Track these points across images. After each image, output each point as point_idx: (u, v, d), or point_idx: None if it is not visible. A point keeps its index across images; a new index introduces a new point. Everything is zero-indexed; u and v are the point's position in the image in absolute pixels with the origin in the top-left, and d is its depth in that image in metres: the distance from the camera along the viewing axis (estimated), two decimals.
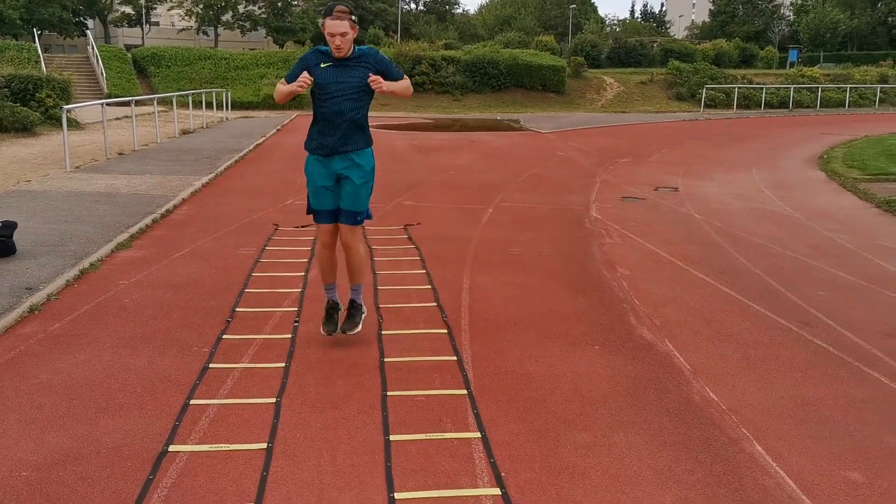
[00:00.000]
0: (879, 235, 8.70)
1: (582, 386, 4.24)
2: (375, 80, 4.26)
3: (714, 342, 5.02)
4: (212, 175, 12.02)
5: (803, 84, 40.39)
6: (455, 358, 4.60)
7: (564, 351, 4.79)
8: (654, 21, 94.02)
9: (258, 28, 64.47)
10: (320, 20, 4.31)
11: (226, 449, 3.43)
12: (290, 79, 4.39)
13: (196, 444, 3.47)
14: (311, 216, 4.69)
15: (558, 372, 4.44)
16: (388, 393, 4.06)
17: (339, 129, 4.38)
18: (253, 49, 51.48)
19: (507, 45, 45.24)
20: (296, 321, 5.20)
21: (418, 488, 3.14)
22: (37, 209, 8.52)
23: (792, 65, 55.18)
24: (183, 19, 63.72)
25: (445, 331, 5.08)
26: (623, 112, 35.03)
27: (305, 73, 4.28)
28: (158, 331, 4.97)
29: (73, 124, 20.02)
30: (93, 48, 34.74)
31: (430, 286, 6.14)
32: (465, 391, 4.12)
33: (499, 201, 10.47)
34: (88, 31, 46.58)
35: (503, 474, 3.27)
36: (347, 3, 4.26)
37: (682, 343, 4.97)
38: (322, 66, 4.35)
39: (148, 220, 8.34)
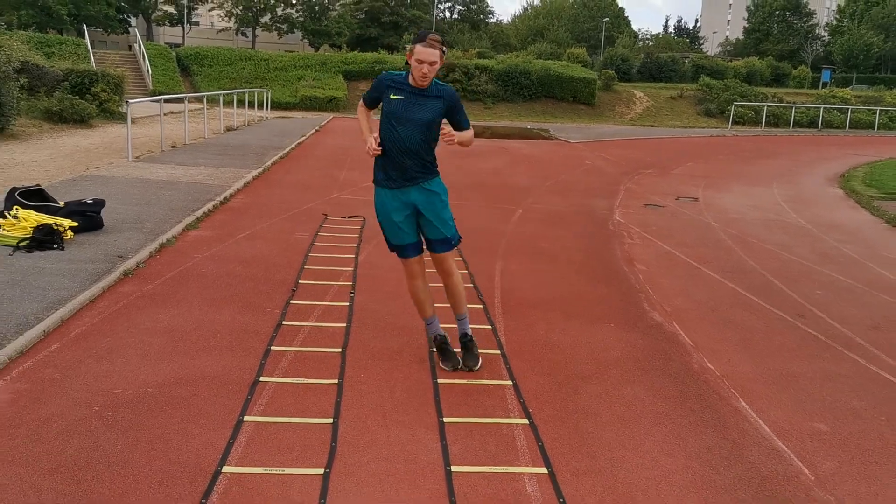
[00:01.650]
0: (884, 248, 9.34)
1: (598, 353, 4.99)
2: (448, 135, 4.20)
3: (716, 326, 5.74)
4: (260, 169, 12.89)
5: (834, 105, 40.72)
6: (490, 327, 5.37)
7: (584, 326, 5.54)
8: (688, 37, 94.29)
9: (295, 30, 65.82)
10: (409, 46, 4.22)
11: (305, 382, 4.22)
12: (368, 100, 4.47)
13: (280, 377, 4.27)
14: (393, 253, 4.55)
15: (578, 341, 5.19)
16: (433, 349, 4.83)
17: (408, 160, 4.27)
18: (290, 51, 52.70)
19: (539, 56, 46.03)
20: (351, 293, 6.00)
21: (462, 416, 3.91)
22: (110, 192, 9.40)
23: (825, 85, 55.41)
24: (223, 20, 65.26)
25: (481, 306, 5.85)
26: (651, 126, 35.63)
27: (373, 144, 4.24)
28: (235, 295, 5.79)
29: (124, 118, 21.03)
30: (139, 46, 36.00)
31: (466, 271, 6.91)
32: (498, 352, 4.89)
33: (528, 203, 11.23)
34: (135, 29, 47.96)
35: (531, 410, 4.03)
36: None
37: (688, 325, 5.70)
38: (393, 97, 4.24)
39: (209, 205, 9.18)
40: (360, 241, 7.84)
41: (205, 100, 19.60)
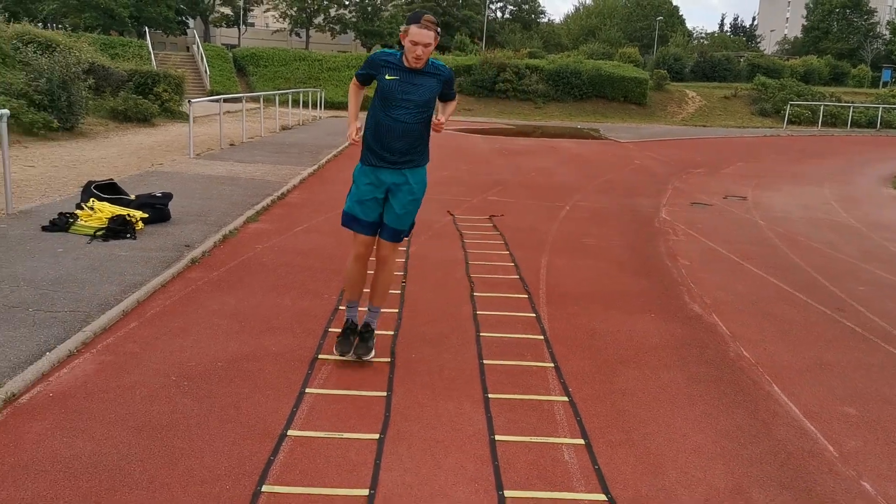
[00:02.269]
0: None
1: (637, 340, 5.23)
2: (437, 125, 4.31)
3: (755, 318, 5.92)
4: (315, 167, 13.34)
5: (894, 105, 39.80)
6: (534, 315, 5.64)
7: (625, 316, 5.78)
8: (744, 35, 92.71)
9: (347, 31, 66.70)
10: (403, 26, 4.12)
11: (360, 360, 4.55)
12: (361, 76, 4.38)
13: (338, 355, 4.61)
14: (345, 227, 4.51)
15: (619, 329, 5.44)
16: (481, 334, 5.13)
17: (397, 142, 4.23)
18: (342, 52, 53.49)
19: (590, 56, 45.92)
20: (403, 282, 6.33)
21: (505, 393, 4.20)
22: (174, 187, 9.88)
23: (885, 84, 54.06)
24: (277, 21, 66.51)
25: (526, 296, 6.13)
26: (704, 126, 35.34)
27: (353, 133, 4.29)
28: (294, 282, 6.17)
29: (184, 117, 21.82)
30: (198, 47, 37.02)
31: (512, 264, 7.19)
32: (542, 337, 5.16)
33: (576, 201, 11.44)
34: (194, 31, 49.20)
35: (570, 389, 4.30)
36: (434, 14, 4.28)
37: (727, 317, 5.89)
38: (387, 77, 4.18)
39: (268, 200, 9.62)
40: (410, 241, 8.16)
41: (261, 99, 20.16)
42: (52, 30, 32.71)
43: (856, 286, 7.08)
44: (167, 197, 7.90)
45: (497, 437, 3.67)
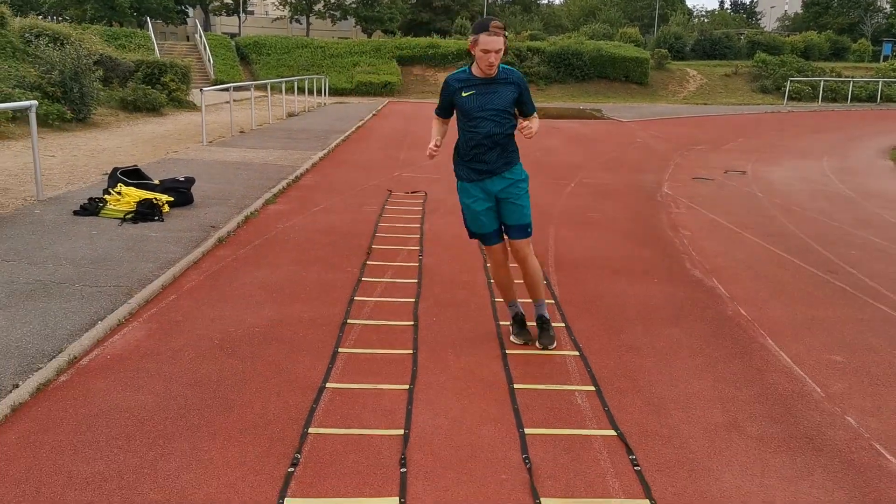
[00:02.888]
0: None
1: (641, 301, 5.60)
2: (527, 129, 4.25)
3: (752, 280, 6.28)
4: (325, 151, 13.68)
5: (894, 79, 39.93)
6: (545, 281, 6.00)
7: (630, 281, 6.14)
8: (745, 12, 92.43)
9: (348, 17, 66.74)
10: (471, 36, 4.17)
11: (386, 324, 4.93)
12: (440, 110, 4.51)
13: (365, 319, 4.99)
14: (474, 239, 4.72)
15: (624, 292, 5.81)
16: (496, 300, 5.50)
17: (489, 152, 4.32)
18: (343, 38, 53.64)
19: (591, 37, 46.05)
20: (420, 255, 6.70)
21: (522, 349, 4.57)
22: (193, 173, 10.24)
23: (886, 59, 54.06)
24: (277, 8, 66.57)
25: None
26: (705, 104, 35.56)
27: (432, 147, 4.42)
28: (317, 258, 6.54)
29: (192, 106, 22.17)
30: (200, 36, 37.26)
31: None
32: (553, 301, 5.53)
33: (580, 178, 11.79)
34: (195, 20, 49.32)
35: (581, 345, 4.67)
36: (500, 19, 4.32)
37: (725, 280, 6.25)
38: (464, 94, 4.27)
39: (283, 183, 9.98)
40: (424, 213, 8.54)
41: (268, 87, 20.47)
42: (55, 22, 32.90)
43: (847, 250, 7.43)
44: (190, 181, 8.27)
45: (516, 386, 4.05)
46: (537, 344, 4.60)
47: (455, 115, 4.43)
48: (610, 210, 9.26)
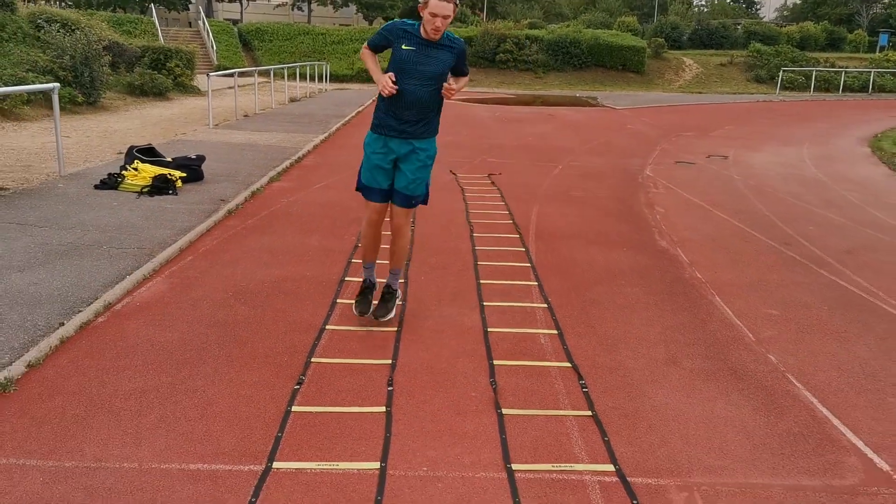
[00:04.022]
0: (887, 195, 10.32)
1: (609, 266, 6.26)
2: (448, 90, 4.28)
3: (713, 251, 6.93)
4: (326, 134, 14.31)
5: (887, 69, 40.45)
6: (524, 249, 6.67)
7: (601, 250, 6.80)
8: (744, 2, 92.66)
9: (349, 4, 67.08)
10: None
11: (380, 281, 5.57)
12: (373, 44, 4.45)
13: (361, 277, 5.63)
14: (358, 192, 4.69)
15: (594, 259, 6.46)
16: (479, 263, 6.16)
17: (409, 112, 4.32)
18: (344, 25, 54.06)
19: (589, 26, 46.49)
20: (412, 225, 7.33)
21: (497, 301, 5.23)
22: (202, 153, 10.89)
23: (882, 49, 54.50)
24: None
25: (518, 235, 7.15)
26: (699, 93, 36.10)
27: (389, 82, 4.21)
28: (318, 227, 7.19)
29: (196, 91, 22.78)
30: (204, 23, 37.75)
31: (507, 212, 8.20)
32: (529, 264, 6.19)
33: (567, 161, 12.42)
34: (199, 7, 49.72)
35: (550, 300, 5.33)
36: None
37: (688, 250, 6.91)
38: (404, 47, 4.24)
39: (286, 163, 10.61)
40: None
41: (271, 73, 21.05)
42: (61, 7, 33.33)
43: (807, 227, 8.08)
44: (200, 159, 8.91)
45: (489, 329, 4.71)
46: (371, 315, 4.68)
47: (389, 61, 4.35)
48: (592, 190, 9.90)
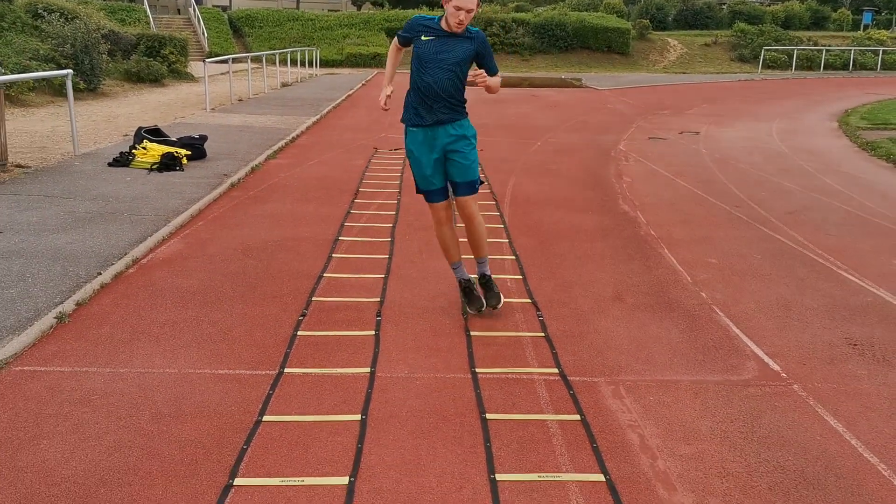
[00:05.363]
0: (842, 164, 11.13)
1: (573, 226, 7.05)
2: (479, 74, 4.31)
3: (668, 212, 7.73)
4: (318, 116, 15.03)
5: (868, 47, 41.22)
6: (498, 214, 7.45)
7: (569, 214, 7.58)
8: None
9: None
10: None
11: (369, 240, 6.37)
12: (402, 38, 4.57)
13: (353, 237, 6.42)
14: (421, 195, 4.69)
15: (561, 220, 7.25)
16: (457, 224, 6.92)
17: (437, 101, 4.33)
18: (333, 10, 54.48)
19: (575, 8, 47.08)
20: (398, 196, 8.11)
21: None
22: (202, 133, 11.62)
23: (866, 28, 55.26)
24: None
25: (494, 202, 7.92)
26: (683, 73, 36.83)
27: (384, 99, 4.62)
28: (314, 197, 7.95)
29: (190, 77, 23.42)
30: (194, 10, 38.21)
31: (485, 182, 8.97)
32: (502, 226, 6.97)
33: (546, 138, 13.19)
34: None
35: (518, 253, 6.12)
36: None
37: (647, 213, 7.70)
38: (423, 38, 4.32)
39: (281, 143, 11.35)
40: (404, 166, 9.93)
41: (263, 59, 21.71)
42: None
43: (759, 192, 8.88)
44: (203, 138, 9.66)
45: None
46: (485, 306, 4.68)
47: (411, 58, 4.47)
48: (566, 163, 10.67)
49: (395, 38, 4.65)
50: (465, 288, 4.75)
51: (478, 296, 4.71)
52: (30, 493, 2.80)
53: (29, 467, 2.97)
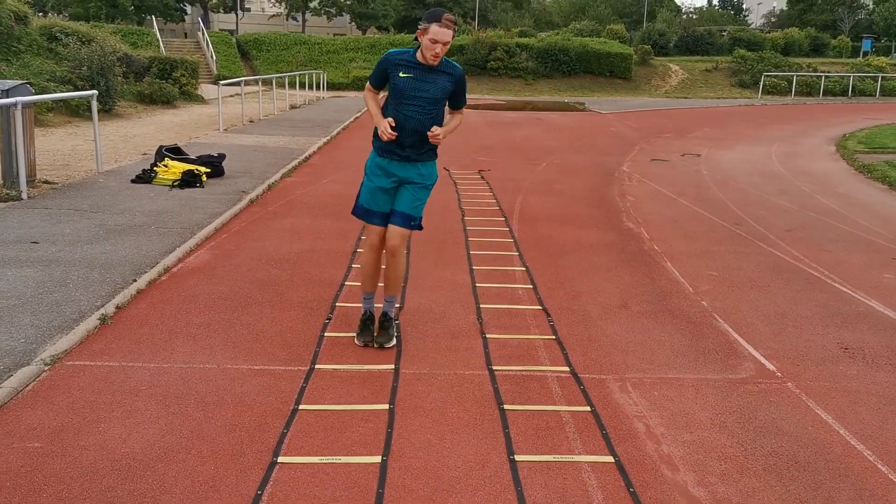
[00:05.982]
0: (838, 185, 11.47)
1: (580, 241, 7.37)
2: (434, 136, 4.25)
3: (672, 229, 8.05)
4: (328, 137, 15.42)
5: (867, 73, 41.77)
6: (508, 229, 7.78)
7: (575, 229, 7.91)
8: (732, 9, 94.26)
9: (343, 14, 68.37)
10: (421, 24, 4.17)
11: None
12: (374, 81, 4.46)
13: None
14: (354, 214, 4.67)
15: (568, 235, 7.58)
16: (469, 239, 7.26)
17: (409, 138, 4.29)
18: (338, 34, 55.29)
19: (578, 33, 47.77)
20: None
21: (485, 265, 6.33)
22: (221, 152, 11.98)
23: (865, 54, 55.90)
24: (273, 5, 68.19)
25: (503, 218, 8.25)
26: (685, 98, 37.34)
27: (388, 128, 4.21)
28: (331, 213, 8.28)
29: (201, 99, 23.88)
30: (203, 33, 38.88)
31: (494, 200, 9.31)
32: (512, 240, 7.29)
33: (552, 159, 13.55)
34: (199, 19, 50.85)
35: (528, 264, 6.43)
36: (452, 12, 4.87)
37: (651, 230, 8.02)
38: (401, 75, 4.24)
39: (295, 162, 11.71)
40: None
41: (273, 82, 22.19)
42: (62, 20, 34.41)
43: (758, 210, 9.21)
44: (222, 157, 10.02)
45: (477, 284, 5.81)
46: (374, 343, 4.53)
47: (388, 91, 4.41)
48: (571, 183, 11.02)
49: (368, 83, 4.54)
50: (366, 319, 4.64)
51: (371, 331, 4.60)
52: (94, 468, 3.10)
53: (91, 446, 3.27)
